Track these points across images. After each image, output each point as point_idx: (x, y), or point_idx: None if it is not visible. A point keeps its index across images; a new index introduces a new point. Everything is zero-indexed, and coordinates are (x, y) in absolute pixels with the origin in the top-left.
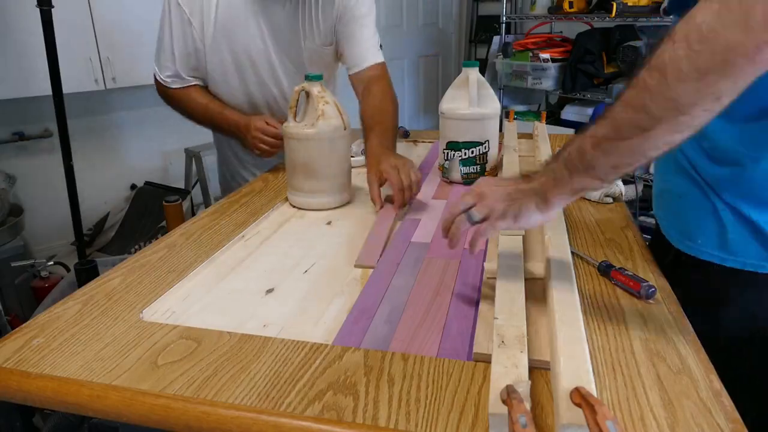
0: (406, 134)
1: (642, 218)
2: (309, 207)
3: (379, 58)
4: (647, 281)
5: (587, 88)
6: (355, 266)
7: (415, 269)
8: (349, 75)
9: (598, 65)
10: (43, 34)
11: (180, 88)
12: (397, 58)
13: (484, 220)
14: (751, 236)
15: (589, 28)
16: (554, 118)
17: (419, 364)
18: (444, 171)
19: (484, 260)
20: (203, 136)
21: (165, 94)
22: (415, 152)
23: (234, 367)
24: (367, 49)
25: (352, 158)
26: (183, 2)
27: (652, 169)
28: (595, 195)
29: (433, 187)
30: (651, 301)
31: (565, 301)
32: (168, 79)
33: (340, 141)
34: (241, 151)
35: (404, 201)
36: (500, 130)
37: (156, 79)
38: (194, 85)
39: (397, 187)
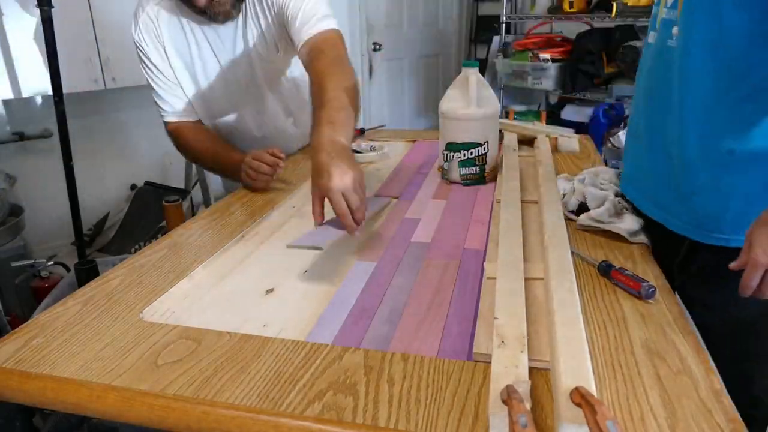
0: (362, 132)
1: None
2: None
3: (329, 25)
4: (647, 281)
5: (587, 88)
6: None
7: (415, 269)
8: (298, 54)
9: (598, 65)
10: (43, 34)
11: (183, 122)
12: (397, 58)
13: None
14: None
15: (589, 28)
16: (554, 118)
17: (419, 364)
18: (443, 172)
19: (484, 260)
20: None
21: (173, 134)
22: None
23: (234, 367)
24: (314, 16)
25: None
26: (141, 40)
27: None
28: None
29: (433, 188)
30: (651, 301)
31: (565, 301)
32: (169, 115)
33: None
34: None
35: (352, 226)
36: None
37: (165, 122)
38: (195, 121)
39: (341, 215)
